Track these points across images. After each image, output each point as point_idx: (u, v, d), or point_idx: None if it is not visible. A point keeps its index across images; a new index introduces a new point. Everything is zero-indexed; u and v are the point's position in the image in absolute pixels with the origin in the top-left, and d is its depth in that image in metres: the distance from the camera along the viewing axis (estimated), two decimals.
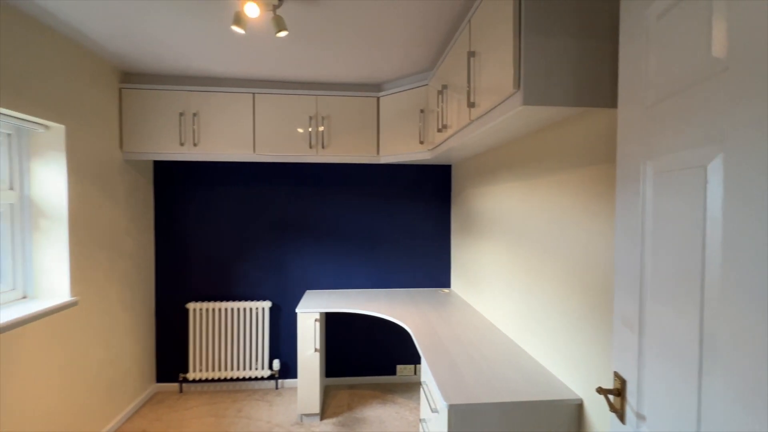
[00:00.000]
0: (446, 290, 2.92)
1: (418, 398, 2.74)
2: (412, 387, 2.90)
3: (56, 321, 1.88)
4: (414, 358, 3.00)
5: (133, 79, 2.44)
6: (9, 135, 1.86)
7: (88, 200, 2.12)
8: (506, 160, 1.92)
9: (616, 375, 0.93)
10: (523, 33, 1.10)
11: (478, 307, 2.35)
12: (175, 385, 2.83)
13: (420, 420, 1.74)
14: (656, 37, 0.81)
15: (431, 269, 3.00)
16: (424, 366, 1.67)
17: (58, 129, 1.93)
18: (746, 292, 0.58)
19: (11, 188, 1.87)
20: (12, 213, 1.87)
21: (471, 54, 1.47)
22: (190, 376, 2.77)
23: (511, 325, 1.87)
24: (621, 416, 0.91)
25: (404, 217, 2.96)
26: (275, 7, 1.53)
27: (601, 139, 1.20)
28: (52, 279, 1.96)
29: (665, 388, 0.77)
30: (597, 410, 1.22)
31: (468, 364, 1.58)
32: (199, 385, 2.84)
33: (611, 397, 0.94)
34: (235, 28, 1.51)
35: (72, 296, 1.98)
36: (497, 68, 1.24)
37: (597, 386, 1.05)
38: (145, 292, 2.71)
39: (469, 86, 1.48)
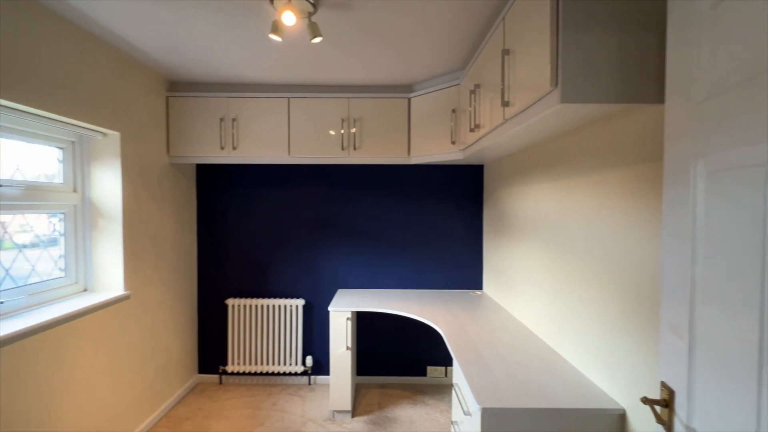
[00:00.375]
0: (478, 292, 2.87)
1: (449, 400, 2.72)
2: (443, 389, 2.88)
3: (111, 313, 2.04)
4: (445, 360, 2.98)
5: (178, 87, 2.60)
6: (73, 142, 2.04)
7: (139, 201, 2.28)
8: (542, 159, 1.87)
9: (663, 385, 0.88)
10: (560, 29, 1.07)
11: (512, 310, 2.29)
12: (215, 377, 2.98)
13: (451, 422, 1.73)
14: (709, 28, 0.76)
15: (463, 271, 2.96)
16: (456, 368, 1.65)
17: (114, 136, 2.10)
18: None
19: (75, 191, 2.05)
20: (75, 213, 2.05)
21: (505, 52, 1.44)
22: (229, 368, 2.90)
23: (546, 330, 1.81)
24: (669, 429, 0.86)
25: (435, 217, 2.95)
26: (310, 14, 1.58)
27: (644, 136, 1.15)
28: (108, 274, 2.13)
29: (719, 399, 0.72)
30: (641, 421, 1.16)
31: (502, 367, 1.55)
32: (237, 378, 2.97)
33: (658, 408, 0.89)
34: (273, 37, 1.57)
35: (125, 290, 2.14)
36: (533, 66, 1.21)
37: (642, 396, 1.00)
38: (188, 287, 2.87)
39: (503, 85, 1.45)
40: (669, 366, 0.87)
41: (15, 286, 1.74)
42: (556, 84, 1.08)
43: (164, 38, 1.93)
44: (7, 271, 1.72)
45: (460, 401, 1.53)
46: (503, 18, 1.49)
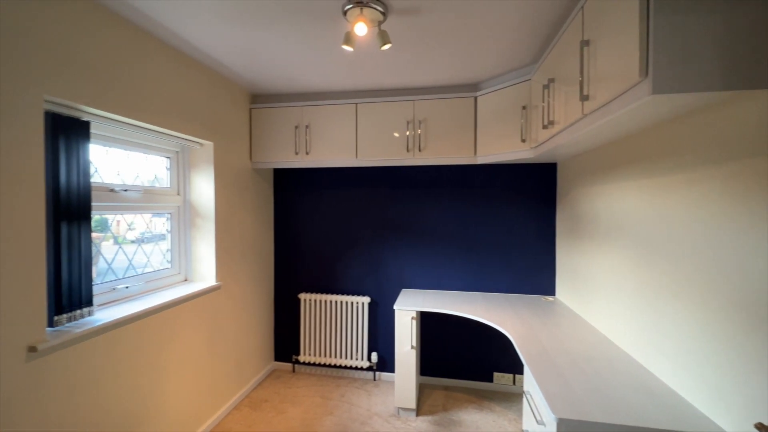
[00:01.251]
0: (550, 298, 2.71)
1: (518, 410, 2.61)
2: (511, 397, 2.77)
3: (205, 300, 2.32)
4: (512, 367, 2.86)
5: (259, 99, 2.87)
6: (177, 152, 2.36)
7: (228, 203, 2.56)
8: (627, 155, 1.71)
9: None
10: (651, 12, 0.99)
11: (590, 318, 2.13)
12: (289, 365, 3.21)
13: (523, 431, 1.67)
14: None
15: (533, 275, 2.82)
16: (528, 375, 1.59)
17: (209, 145, 2.39)
18: None
19: (178, 194, 2.37)
20: (178, 213, 2.38)
21: (584, 43, 1.36)
22: (302, 358, 3.11)
23: (632, 342, 1.65)
24: None
25: (503, 218, 2.85)
26: (380, 23, 1.64)
27: (758, 126, 1.00)
28: (203, 266, 2.43)
29: None
30: None
31: (579, 378, 1.45)
32: (308, 368, 3.17)
33: None
34: (345, 47, 1.67)
35: (217, 281, 2.42)
36: (618, 56, 1.13)
37: (756, 422, 0.87)
38: (266, 281, 3.15)
39: (581, 78, 1.37)
40: None
41: (136, 274, 2.07)
42: (647, 73, 1.00)
43: (249, 56, 2.15)
44: (130, 261, 2.05)
45: (532, 409, 1.47)
46: (582, 7, 1.40)
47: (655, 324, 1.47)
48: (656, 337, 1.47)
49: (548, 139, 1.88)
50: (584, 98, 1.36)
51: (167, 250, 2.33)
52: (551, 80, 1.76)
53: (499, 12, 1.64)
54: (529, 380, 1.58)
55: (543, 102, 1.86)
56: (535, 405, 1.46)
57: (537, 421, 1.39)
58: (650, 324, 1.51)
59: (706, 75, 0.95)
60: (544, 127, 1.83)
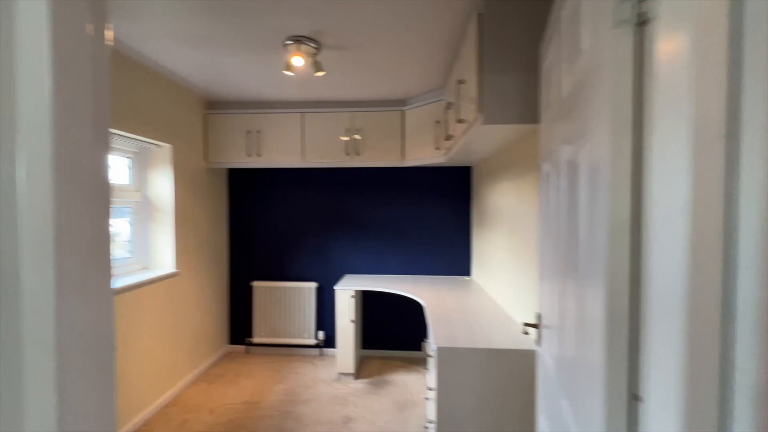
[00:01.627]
0: (466, 278, 3.29)
1: None
2: None
3: (164, 286, 2.61)
4: None
5: (214, 106, 3.17)
6: (136, 153, 2.63)
7: (185, 199, 2.86)
8: (507, 160, 2.28)
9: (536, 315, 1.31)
10: (484, 71, 1.51)
11: (489, 290, 2.71)
12: (242, 347, 3.53)
13: (425, 369, 2.17)
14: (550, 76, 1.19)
15: (454, 259, 3.38)
16: (429, 330, 2.10)
17: (167, 147, 2.68)
18: None
19: (137, 190, 2.64)
20: (138, 208, 2.64)
21: (461, 82, 1.89)
22: (255, 340, 3.45)
23: (506, 300, 2.23)
24: (538, 343, 1.28)
25: (429, 213, 3.39)
26: (314, 55, 2.07)
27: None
28: (162, 256, 2.71)
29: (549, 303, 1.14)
30: None
31: (461, 326, 1.98)
32: (260, 348, 3.51)
33: (533, 329, 1.31)
34: (287, 72, 2.08)
35: (175, 268, 2.71)
36: (470, 95, 1.65)
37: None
38: (221, 270, 3.45)
39: (458, 107, 1.90)
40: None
41: None
42: (480, 110, 1.52)
43: (205, 70, 2.49)
44: None
45: (428, 350, 1.97)
46: (459, 56, 1.94)
47: (516, 280, 2.04)
48: (515, 290, 2.04)
49: (449, 149, 2.42)
50: (460, 121, 1.89)
51: (128, 241, 2.59)
52: (450, 104, 2.30)
53: (408, 50, 2.14)
54: (429, 332, 2.09)
55: (446, 118, 2.39)
56: (429, 345, 1.96)
57: (429, 356, 1.90)
58: (516, 284, 2.08)
59: (513, 113, 1.49)
60: (446, 138, 2.37)
